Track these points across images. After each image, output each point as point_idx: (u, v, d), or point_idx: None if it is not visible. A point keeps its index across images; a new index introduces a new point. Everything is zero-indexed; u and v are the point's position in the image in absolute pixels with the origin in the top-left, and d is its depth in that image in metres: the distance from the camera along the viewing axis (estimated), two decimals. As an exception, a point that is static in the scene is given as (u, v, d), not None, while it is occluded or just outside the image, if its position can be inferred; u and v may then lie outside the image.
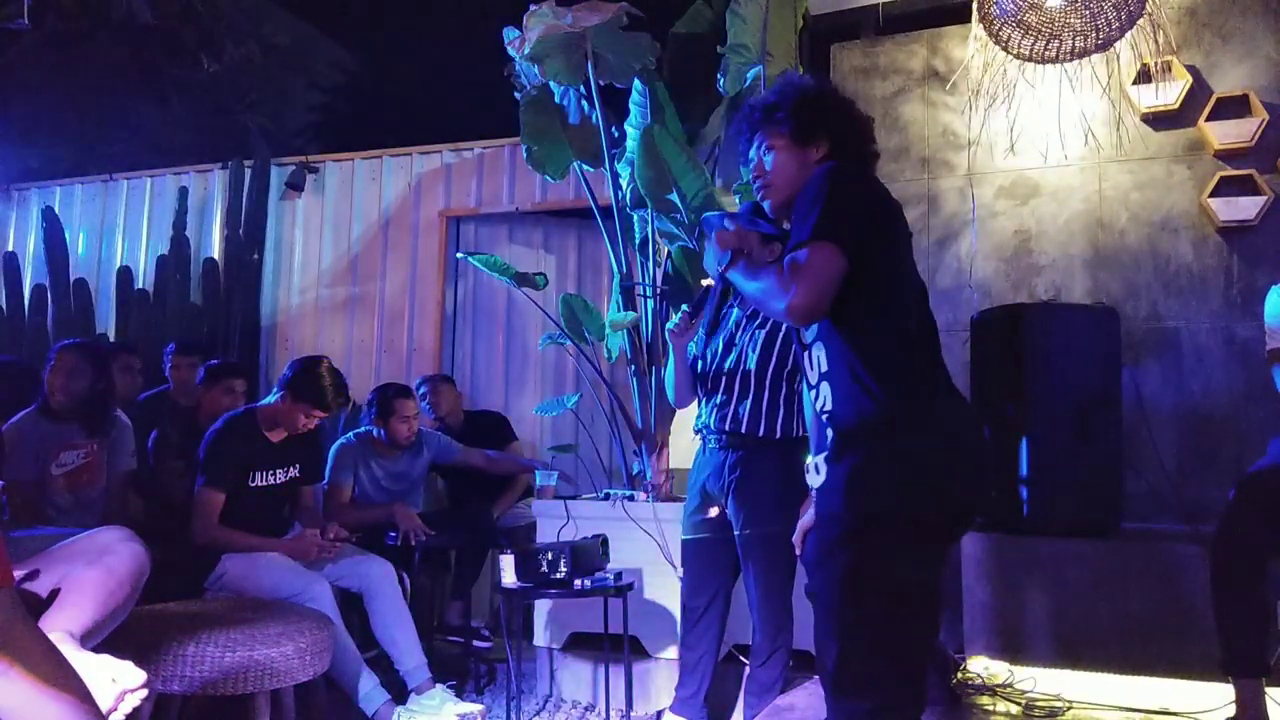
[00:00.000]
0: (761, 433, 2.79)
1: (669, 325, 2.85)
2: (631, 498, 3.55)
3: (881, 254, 1.60)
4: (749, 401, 2.82)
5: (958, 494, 1.58)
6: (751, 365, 2.83)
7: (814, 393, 1.70)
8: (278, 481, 3.28)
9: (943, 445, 1.56)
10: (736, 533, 2.79)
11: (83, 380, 3.21)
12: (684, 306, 2.83)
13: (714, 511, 2.88)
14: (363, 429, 4.05)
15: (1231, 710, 2.54)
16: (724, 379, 2.87)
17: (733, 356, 2.87)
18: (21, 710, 1.14)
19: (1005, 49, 3.67)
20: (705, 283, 2.70)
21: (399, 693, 3.06)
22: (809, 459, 1.69)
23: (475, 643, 3.91)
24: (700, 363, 2.94)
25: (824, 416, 1.66)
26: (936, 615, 1.60)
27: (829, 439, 1.64)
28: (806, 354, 1.71)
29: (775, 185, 1.77)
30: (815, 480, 1.63)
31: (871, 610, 1.51)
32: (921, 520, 1.52)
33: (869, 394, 1.56)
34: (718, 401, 2.88)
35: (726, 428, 2.84)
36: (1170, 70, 3.70)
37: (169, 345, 4.29)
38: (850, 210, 1.57)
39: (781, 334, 2.81)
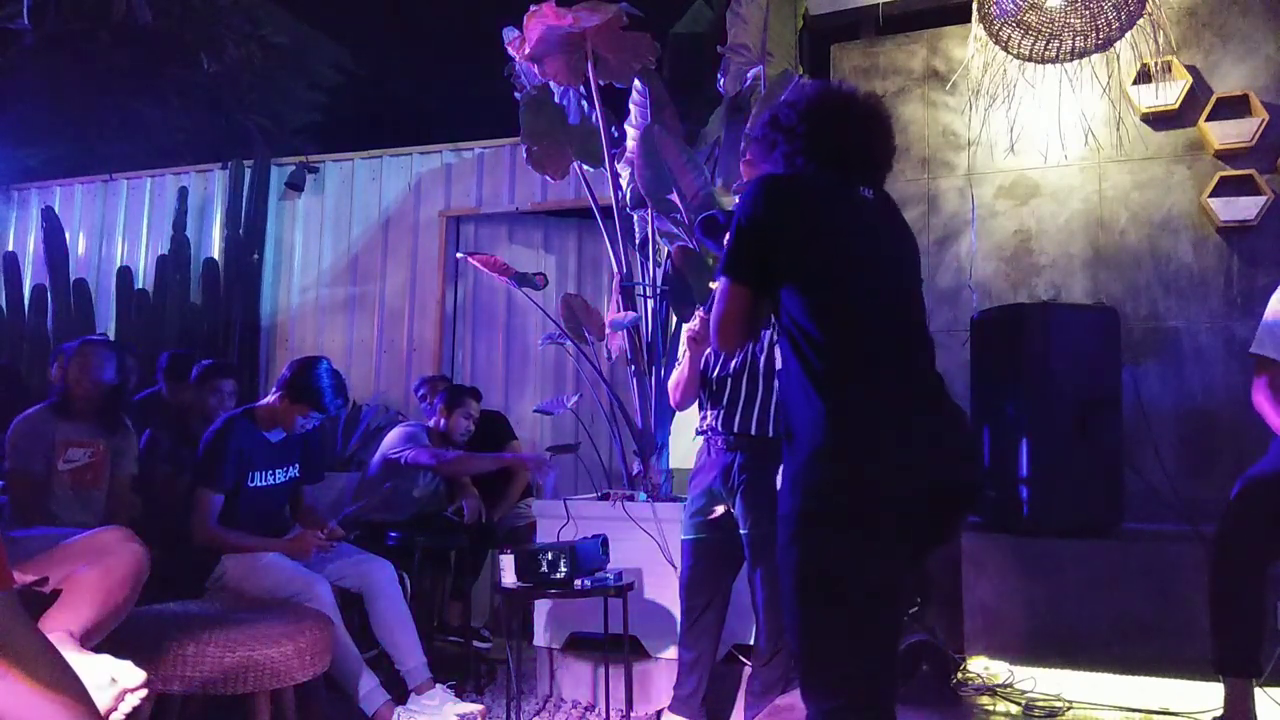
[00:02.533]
0: (771, 434, 2.81)
1: (686, 326, 2.85)
2: (631, 498, 3.55)
3: (811, 259, 1.63)
4: (758, 404, 2.83)
5: (900, 494, 1.54)
6: (760, 368, 2.84)
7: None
8: (277, 482, 3.28)
9: (879, 447, 1.54)
10: (744, 532, 2.80)
11: (108, 372, 3.28)
12: (700, 309, 2.81)
13: (719, 510, 2.89)
14: (415, 424, 4.11)
15: (1220, 710, 2.55)
16: (730, 381, 2.88)
17: (738, 359, 2.88)
18: (20, 711, 1.14)
19: (1005, 49, 3.66)
20: (712, 285, 2.70)
21: (399, 693, 3.06)
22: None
23: (475, 643, 3.91)
24: (707, 366, 2.94)
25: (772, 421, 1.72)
26: (894, 613, 1.60)
27: (782, 446, 1.66)
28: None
29: None
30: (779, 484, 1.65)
31: (822, 609, 1.53)
32: (863, 521, 1.51)
33: (807, 396, 1.58)
34: (724, 405, 2.88)
35: (735, 429, 2.85)
36: (1170, 70, 3.70)
37: (164, 356, 4.16)
38: (755, 237, 1.65)
39: None
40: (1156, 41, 3.66)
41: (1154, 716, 2.77)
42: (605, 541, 3.13)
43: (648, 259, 4.05)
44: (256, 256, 5.67)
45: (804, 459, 1.56)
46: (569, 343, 4.11)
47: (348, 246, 5.68)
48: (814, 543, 1.53)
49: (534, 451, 5.05)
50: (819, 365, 1.58)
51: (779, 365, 1.70)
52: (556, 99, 4.16)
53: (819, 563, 1.52)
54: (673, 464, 3.94)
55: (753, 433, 2.82)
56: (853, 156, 1.77)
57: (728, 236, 1.71)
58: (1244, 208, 3.57)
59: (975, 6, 3.69)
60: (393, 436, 3.97)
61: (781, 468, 1.64)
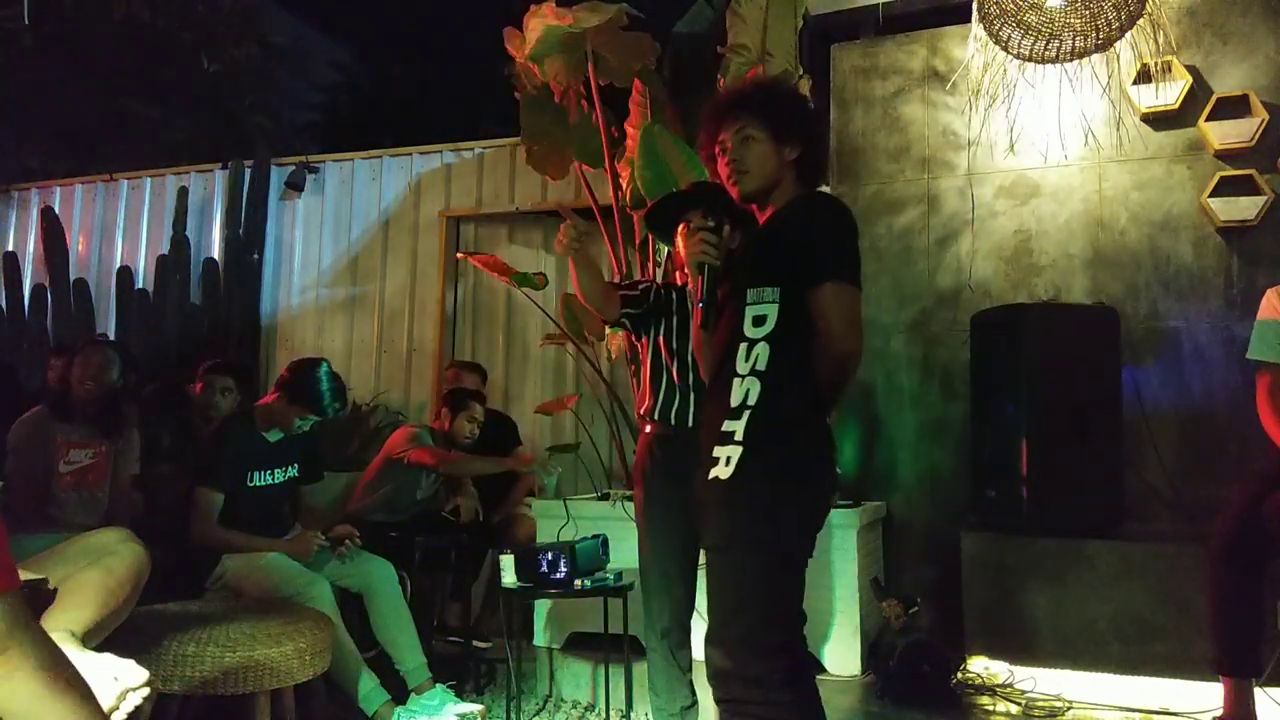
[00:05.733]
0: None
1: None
2: (631, 498, 3.55)
3: None
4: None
5: (829, 491, 1.92)
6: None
7: (737, 381, 1.77)
8: (276, 482, 3.28)
9: (825, 454, 1.85)
10: None
11: (112, 373, 3.26)
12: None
13: None
14: (422, 426, 4.10)
15: (1220, 710, 2.55)
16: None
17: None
18: (26, 710, 1.14)
19: (1005, 49, 3.66)
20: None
21: (399, 693, 3.06)
22: (717, 450, 1.76)
23: (475, 643, 3.91)
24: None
25: (746, 410, 1.75)
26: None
27: (743, 433, 1.74)
28: (747, 346, 1.78)
29: (751, 174, 1.89)
30: (725, 471, 1.73)
31: (780, 583, 1.74)
32: (810, 509, 1.81)
33: (793, 402, 1.77)
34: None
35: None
36: (1170, 70, 3.70)
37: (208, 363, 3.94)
38: (856, 246, 1.84)
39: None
40: (1156, 41, 3.66)
41: (1154, 716, 2.78)
42: (605, 541, 3.13)
43: (648, 259, 4.05)
44: (256, 256, 5.67)
45: (785, 455, 1.75)
46: (569, 343, 4.11)
47: (348, 246, 5.68)
48: (782, 527, 1.74)
49: (534, 452, 5.05)
50: (806, 381, 1.78)
51: (761, 368, 1.76)
52: (556, 99, 4.16)
53: (786, 543, 1.75)
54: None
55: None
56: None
57: (835, 241, 1.79)
58: (1244, 208, 3.57)
59: (975, 6, 3.69)
60: (396, 437, 3.96)
61: (728, 455, 1.73)
